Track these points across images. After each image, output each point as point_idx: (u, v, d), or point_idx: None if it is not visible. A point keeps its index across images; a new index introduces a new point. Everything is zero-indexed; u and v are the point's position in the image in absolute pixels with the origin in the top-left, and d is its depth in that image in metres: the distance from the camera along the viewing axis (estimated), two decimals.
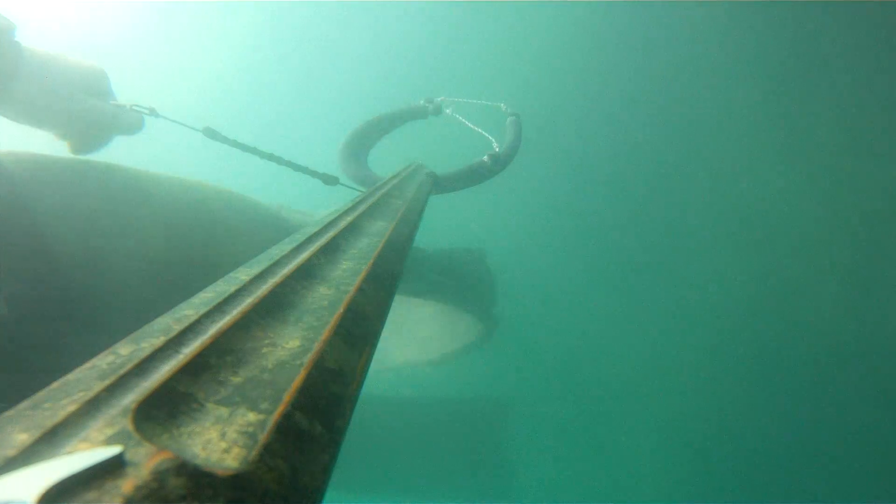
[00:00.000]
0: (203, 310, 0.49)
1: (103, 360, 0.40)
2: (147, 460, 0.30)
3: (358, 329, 0.57)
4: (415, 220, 1.11)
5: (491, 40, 6.90)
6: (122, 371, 0.38)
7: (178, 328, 0.45)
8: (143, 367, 0.40)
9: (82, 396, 0.35)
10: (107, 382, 0.37)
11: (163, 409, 0.37)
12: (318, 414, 0.42)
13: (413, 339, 3.88)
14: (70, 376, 0.38)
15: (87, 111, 1.39)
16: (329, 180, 1.77)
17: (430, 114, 2.51)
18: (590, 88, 6.52)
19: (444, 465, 4.33)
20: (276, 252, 0.68)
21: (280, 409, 0.39)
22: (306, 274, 0.64)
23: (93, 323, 1.17)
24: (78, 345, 1.09)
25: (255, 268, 0.62)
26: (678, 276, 6.60)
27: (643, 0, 5.59)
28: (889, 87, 5.02)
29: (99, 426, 0.33)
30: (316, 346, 0.49)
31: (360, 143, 2.20)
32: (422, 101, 2.53)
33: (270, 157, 1.67)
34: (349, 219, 0.87)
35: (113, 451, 0.30)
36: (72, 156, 1.43)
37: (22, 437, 0.31)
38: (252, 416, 0.38)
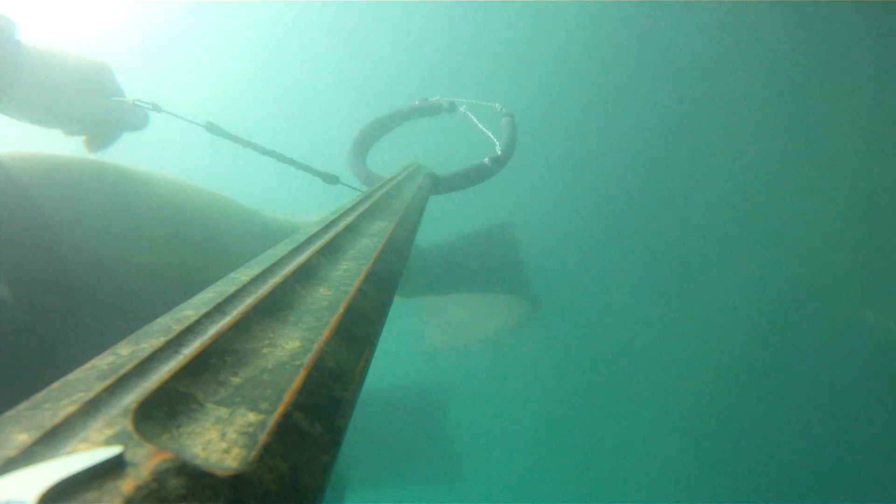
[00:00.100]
0: (203, 310, 0.49)
1: (103, 361, 0.40)
2: (147, 461, 0.30)
3: (358, 329, 0.57)
4: (415, 220, 1.11)
5: (518, 34, 6.85)
6: (122, 371, 0.38)
7: (178, 328, 0.45)
8: (143, 367, 0.40)
9: (82, 397, 0.35)
10: (107, 383, 0.37)
11: (163, 410, 0.37)
12: (318, 414, 0.42)
13: (450, 321, 3.81)
14: (70, 376, 0.38)
15: (90, 108, 1.38)
16: (330, 179, 1.77)
17: (445, 111, 2.48)
18: (606, 90, 6.51)
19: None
20: (276, 252, 0.68)
21: (280, 409, 0.39)
22: (306, 274, 0.64)
23: (94, 317, 1.17)
24: (76, 341, 1.10)
25: (255, 268, 0.62)
26: (695, 275, 6.58)
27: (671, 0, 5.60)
28: None
29: (99, 426, 0.33)
30: (316, 347, 0.49)
31: (371, 141, 2.19)
32: (416, 102, 2.52)
33: (272, 154, 1.67)
34: (349, 219, 0.87)
35: (113, 451, 0.30)
36: (74, 156, 1.42)
37: (22, 438, 0.31)
38: (252, 417, 0.38)
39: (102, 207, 1.34)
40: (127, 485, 0.28)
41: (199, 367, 0.42)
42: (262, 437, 0.36)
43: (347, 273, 0.68)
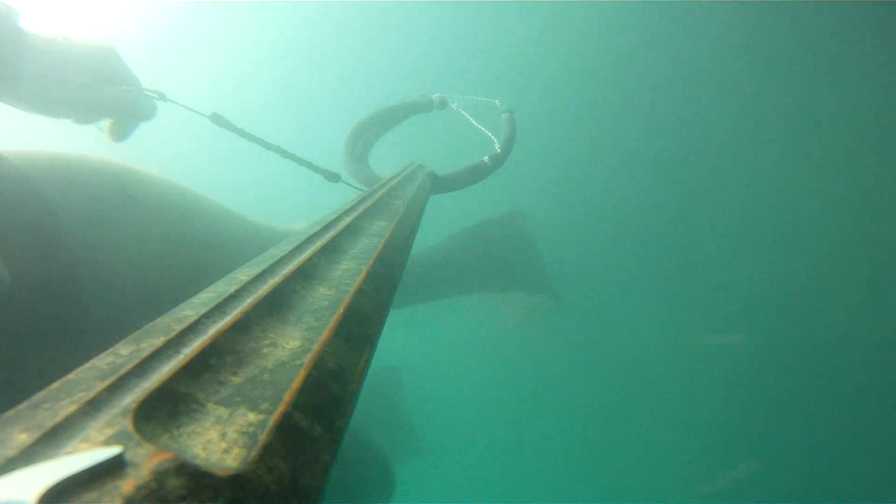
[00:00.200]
0: (203, 310, 0.49)
1: (103, 361, 0.40)
2: (147, 461, 0.30)
3: (358, 329, 0.57)
4: (415, 219, 1.11)
5: (533, 30, 6.81)
6: (122, 371, 0.38)
7: (178, 328, 0.45)
8: (143, 367, 0.40)
9: (82, 397, 0.35)
10: (107, 383, 0.37)
11: (163, 410, 0.37)
12: (319, 414, 0.42)
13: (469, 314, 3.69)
14: (70, 376, 0.38)
15: (98, 95, 1.35)
16: (331, 177, 1.77)
17: (436, 107, 2.46)
18: (618, 90, 6.49)
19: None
20: (276, 252, 0.68)
21: (280, 409, 0.39)
22: (306, 274, 0.64)
23: (94, 310, 1.17)
24: (77, 334, 1.10)
25: (255, 268, 0.62)
26: (701, 275, 6.56)
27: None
28: None
29: (99, 426, 0.33)
30: (316, 347, 0.49)
31: (364, 139, 2.18)
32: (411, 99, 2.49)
33: (276, 149, 1.67)
34: (349, 219, 0.87)
35: (113, 451, 0.30)
36: (77, 153, 1.41)
37: (22, 438, 0.31)
38: (252, 417, 0.38)
39: (105, 204, 1.34)
40: (127, 485, 0.28)
41: (200, 366, 0.42)
42: (263, 437, 0.36)
43: (347, 273, 0.68)
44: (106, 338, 0.49)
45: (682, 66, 6.09)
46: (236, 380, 0.43)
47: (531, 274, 3.19)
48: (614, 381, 6.81)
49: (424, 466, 5.15)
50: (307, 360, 0.47)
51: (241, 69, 8.15)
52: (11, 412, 0.34)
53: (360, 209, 0.95)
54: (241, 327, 0.49)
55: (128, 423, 0.33)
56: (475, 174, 1.98)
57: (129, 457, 0.30)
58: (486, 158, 2.00)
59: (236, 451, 0.35)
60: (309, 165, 1.74)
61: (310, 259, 0.67)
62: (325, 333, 0.52)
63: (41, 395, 0.36)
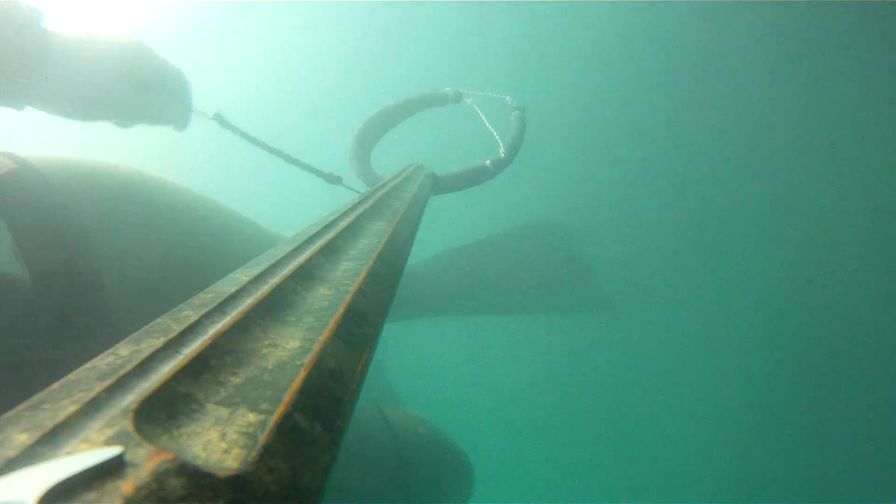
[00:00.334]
0: (203, 310, 0.49)
1: (103, 361, 0.40)
2: (147, 461, 0.30)
3: (358, 330, 0.57)
4: (415, 220, 1.11)
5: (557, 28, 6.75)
6: (122, 372, 0.38)
7: (178, 329, 0.45)
8: (143, 367, 0.40)
9: (82, 397, 0.35)
10: (107, 383, 0.37)
11: (163, 410, 0.37)
12: (319, 414, 0.42)
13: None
14: (70, 377, 0.38)
15: (134, 99, 1.34)
16: (332, 179, 1.78)
17: (451, 101, 2.44)
18: (621, 90, 6.45)
19: None
20: (276, 252, 0.68)
21: (280, 409, 0.39)
22: (306, 274, 0.64)
23: (101, 317, 1.17)
24: (90, 328, 1.10)
25: (254, 268, 0.62)
26: (721, 271, 6.51)
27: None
28: None
29: (99, 427, 0.33)
30: (316, 347, 0.49)
31: (373, 134, 2.16)
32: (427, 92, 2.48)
33: (278, 153, 1.68)
34: (349, 219, 0.87)
35: (113, 451, 0.30)
36: (101, 161, 1.42)
37: (22, 438, 0.31)
38: (252, 417, 0.38)
39: (124, 208, 1.34)
40: (127, 485, 0.28)
41: (200, 367, 0.42)
42: (263, 438, 0.36)
43: (348, 273, 0.68)
44: (124, 336, 0.49)
45: (706, 67, 6.04)
46: (236, 380, 0.43)
47: (585, 294, 2.96)
48: (637, 383, 6.79)
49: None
50: (307, 360, 0.47)
51: (241, 69, 8.15)
52: (11, 412, 0.33)
53: (361, 209, 0.96)
54: (241, 328, 0.49)
55: (128, 424, 0.33)
56: (476, 177, 1.98)
57: (129, 457, 0.30)
58: (488, 162, 2.00)
59: (236, 451, 0.35)
60: (311, 169, 1.75)
61: (310, 259, 0.67)
62: (325, 334, 0.52)
63: (41, 395, 0.36)
